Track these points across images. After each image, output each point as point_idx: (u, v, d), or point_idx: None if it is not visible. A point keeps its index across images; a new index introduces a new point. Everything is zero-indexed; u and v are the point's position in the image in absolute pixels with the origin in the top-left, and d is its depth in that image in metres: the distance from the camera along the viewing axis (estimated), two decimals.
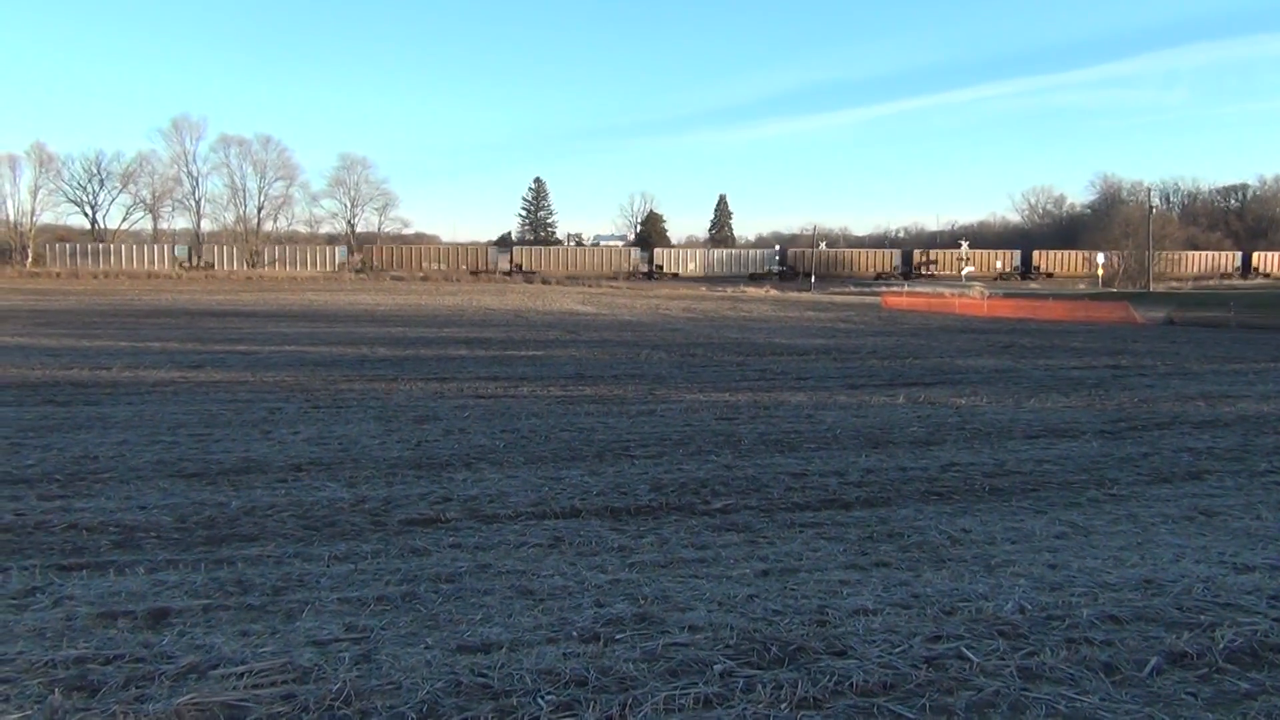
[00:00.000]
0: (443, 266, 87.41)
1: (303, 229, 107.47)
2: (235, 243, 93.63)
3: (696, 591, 6.21)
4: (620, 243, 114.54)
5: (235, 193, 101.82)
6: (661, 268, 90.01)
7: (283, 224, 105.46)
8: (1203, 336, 32.67)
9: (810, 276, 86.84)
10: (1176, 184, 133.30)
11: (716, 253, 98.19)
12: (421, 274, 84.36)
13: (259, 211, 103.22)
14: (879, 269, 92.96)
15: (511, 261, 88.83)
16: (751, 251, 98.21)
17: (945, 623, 5.52)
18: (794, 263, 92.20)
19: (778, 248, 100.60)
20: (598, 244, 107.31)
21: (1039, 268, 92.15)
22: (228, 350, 23.92)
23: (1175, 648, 5.12)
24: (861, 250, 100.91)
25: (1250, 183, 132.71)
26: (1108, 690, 4.62)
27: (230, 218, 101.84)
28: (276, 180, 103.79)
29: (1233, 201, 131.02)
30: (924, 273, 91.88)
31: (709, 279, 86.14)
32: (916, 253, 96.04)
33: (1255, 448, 11.96)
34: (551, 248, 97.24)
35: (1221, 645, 5.13)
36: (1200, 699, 4.55)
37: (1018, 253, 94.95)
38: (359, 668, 4.83)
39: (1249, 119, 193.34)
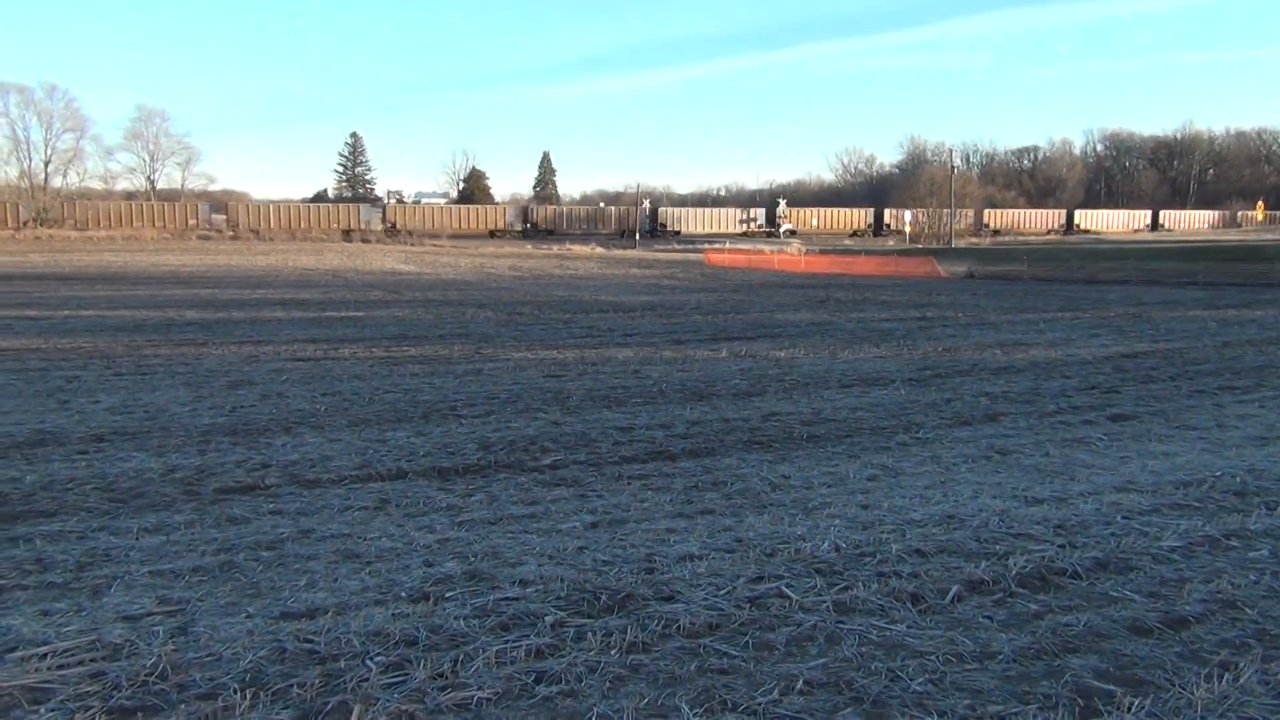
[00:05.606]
0: (313, 226, 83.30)
1: (97, 185, 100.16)
2: (19, 199, 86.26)
3: (527, 546, 6.25)
4: (443, 200, 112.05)
5: (17, 145, 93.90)
6: (536, 225, 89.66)
7: (74, 179, 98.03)
8: (999, 289, 34.88)
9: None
10: (976, 145, 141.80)
11: (590, 209, 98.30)
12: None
13: (46, 166, 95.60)
14: (744, 227, 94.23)
15: (385, 220, 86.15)
16: (621, 208, 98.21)
17: (767, 564, 5.77)
18: (664, 220, 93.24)
19: (646, 204, 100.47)
20: (419, 201, 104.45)
21: (889, 225, 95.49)
22: (15, 316, 22.16)
23: (974, 576, 5.53)
24: (727, 209, 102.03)
25: (1040, 145, 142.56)
26: (914, 619, 4.95)
27: (13, 172, 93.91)
28: (65, 132, 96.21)
29: (1025, 162, 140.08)
30: (784, 228, 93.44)
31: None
32: (778, 211, 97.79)
33: (1044, 391, 12.93)
34: (426, 206, 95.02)
35: (1014, 572, 5.58)
36: (996, 621, 4.94)
37: (871, 211, 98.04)
38: (174, 641, 4.64)
39: (1042, 84, 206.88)
